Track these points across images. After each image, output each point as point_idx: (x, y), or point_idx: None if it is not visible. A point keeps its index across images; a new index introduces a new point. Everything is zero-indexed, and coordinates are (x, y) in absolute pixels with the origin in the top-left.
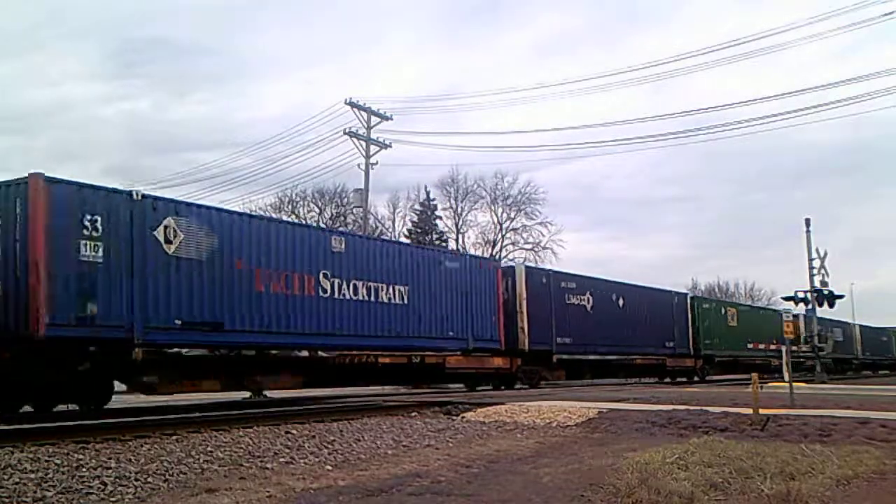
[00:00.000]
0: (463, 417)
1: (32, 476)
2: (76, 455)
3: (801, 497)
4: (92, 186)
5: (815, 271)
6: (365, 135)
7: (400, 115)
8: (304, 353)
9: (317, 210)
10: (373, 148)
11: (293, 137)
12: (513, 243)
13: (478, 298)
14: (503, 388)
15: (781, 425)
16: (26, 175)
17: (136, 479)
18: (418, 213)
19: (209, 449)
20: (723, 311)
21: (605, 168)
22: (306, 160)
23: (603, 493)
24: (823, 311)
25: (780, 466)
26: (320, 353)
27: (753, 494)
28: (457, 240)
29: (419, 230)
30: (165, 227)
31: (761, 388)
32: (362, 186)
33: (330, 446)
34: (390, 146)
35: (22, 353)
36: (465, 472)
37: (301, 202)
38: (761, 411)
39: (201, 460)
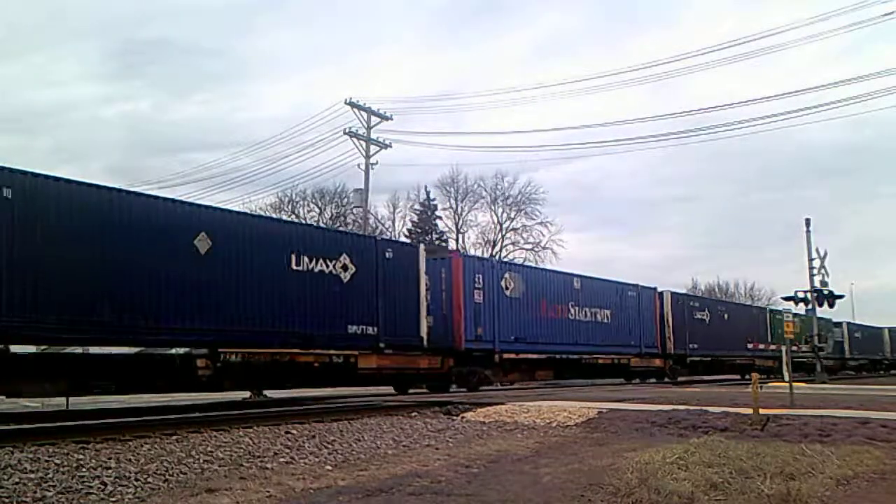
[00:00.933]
0: (463, 417)
1: (32, 476)
2: (76, 455)
3: (801, 497)
4: (479, 258)
5: (814, 271)
6: (365, 135)
7: (400, 115)
8: (560, 356)
9: (317, 210)
10: (373, 148)
11: (293, 137)
12: (513, 243)
13: (646, 316)
14: (654, 380)
15: (781, 425)
16: (449, 251)
17: (136, 479)
18: (418, 213)
19: (209, 449)
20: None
21: (605, 168)
22: (306, 160)
23: (603, 492)
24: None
25: (780, 466)
26: (569, 356)
27: (753, 494)
28: (457, 240)
29: (419, 230)
30: (505, 279)
31: (761, 388)
32: (362, 186)
33: (330, 446)
34: (390, 146)
35: (453, 359)
36: (465, 472)
37: (301, 202)
38: (761, 411)
39: (201, 460)
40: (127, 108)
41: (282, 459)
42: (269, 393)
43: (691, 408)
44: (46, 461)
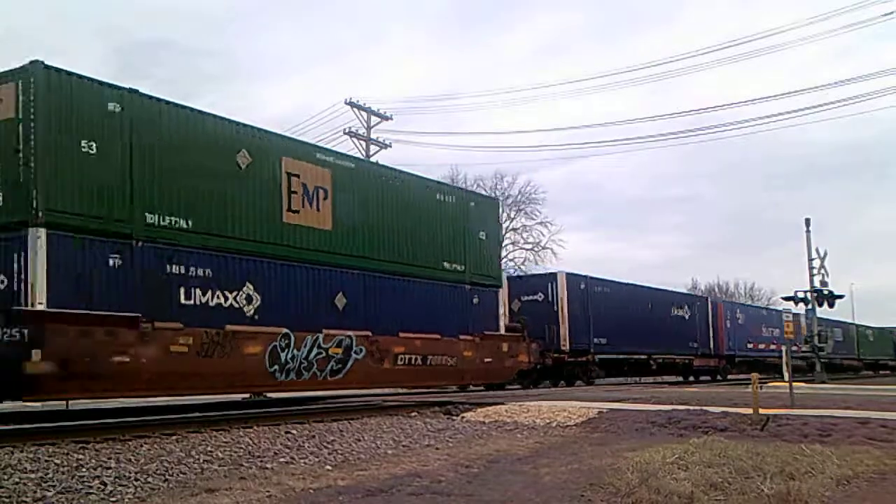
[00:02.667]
0: (463, 417)
1: (32, 476)
2: (76, 455)
3: (801, 497)
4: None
5: (815, 271)
6: (365, 135)
7: (400, 115)
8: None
9: None
10: (373, 148)
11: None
12: (513, 243)
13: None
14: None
15: (781, 425)
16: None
17: (136, 479)
18: None
19: (209, 449)
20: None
21: (605, 168)
22: None
23: (603, 492)
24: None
25: (780, 466)
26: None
27: (753, 494)
28: None
29: None
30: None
31: (761, 388)
32: None
33: (330, 446)
34: (390, 146)
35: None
36: (465, 471)
37: None
38: (761, 411)
39: (201, 460)
40: None
41: (282, 459)
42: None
43: (691, 408)
44: (46, 461)
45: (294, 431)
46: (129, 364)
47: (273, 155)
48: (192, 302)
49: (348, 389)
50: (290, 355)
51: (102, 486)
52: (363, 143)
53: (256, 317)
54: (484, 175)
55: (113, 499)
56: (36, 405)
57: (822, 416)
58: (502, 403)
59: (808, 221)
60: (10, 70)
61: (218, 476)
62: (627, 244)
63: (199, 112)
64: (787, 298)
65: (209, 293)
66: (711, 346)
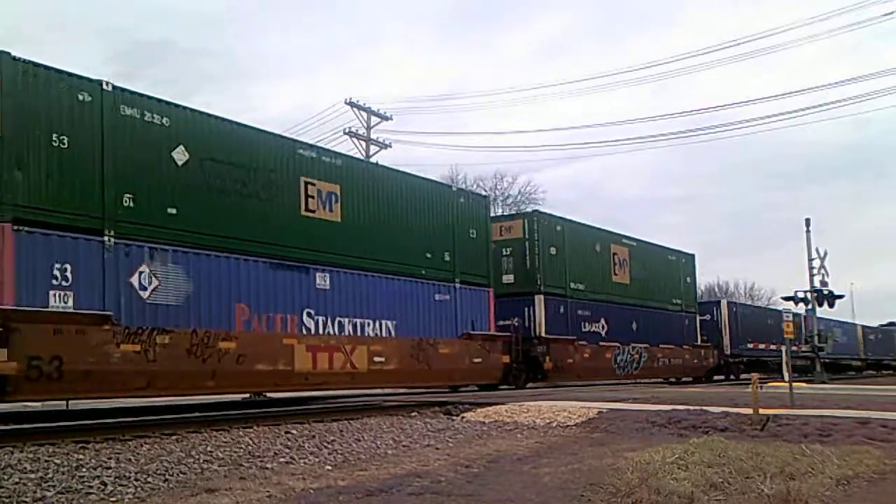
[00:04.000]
0: (463, 417)
1: (32, 476)
2: (76, 455)
3: (801, 497)
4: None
5: (814, 271)
6: (365, 135)
7: (400, 115)
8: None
9: None
10: (373, 148)
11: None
12: None
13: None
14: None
15: (781, 425)
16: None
17: (136, 479)
18: None
19: (209, 449)
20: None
21: (605, 168)
22: None
23: (603, 492)
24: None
25: (780, 466)
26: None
27: (753, 494)
28: None
29: None
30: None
31: (761, 388)
32: None
33: (330, 446)
34: (390, 146)
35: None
36: (465, 471)
37: None
38: (761, 411)
39: (201, 460)
40: None
41: (282, 459)
42: (268, 393)
43: (691, 408)
44: (46, 461)
45: (294, 431)
46: None
47: None
48: None
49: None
50: None
51: (102, 486)
52: (363, 143)
53: None
54: (484, 175)
55: (113, 499)
56: (36, 405)
57: (822, 416)
58: (502, 403)
59: (808, 221)
60: None
61: (218, 476)
62: None
63: None
64: (787, 298)
65: None
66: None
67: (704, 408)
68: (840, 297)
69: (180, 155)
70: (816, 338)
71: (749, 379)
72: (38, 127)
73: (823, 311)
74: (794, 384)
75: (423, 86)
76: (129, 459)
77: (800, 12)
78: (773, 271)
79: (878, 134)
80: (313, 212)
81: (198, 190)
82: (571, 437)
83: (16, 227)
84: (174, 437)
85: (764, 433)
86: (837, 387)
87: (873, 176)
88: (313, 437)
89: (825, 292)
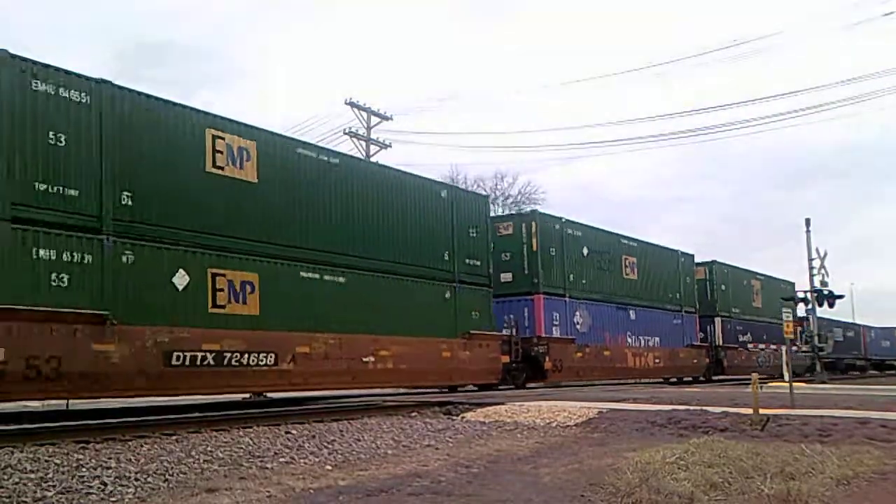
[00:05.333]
0: (463, 417)
1: (32, 476)
2: (76, 455)
3: (801, 497)
4: None
5: (815, 271)
6: (365, 135)
7: (400, 115)
8: None
9: None
10: (373, 148)
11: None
12: None
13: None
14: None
15: (781, 425)
16: None
17: (136, 479)
18: None
19: (209, 449)
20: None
21: (605, 168)
22: None
23: (603, 492)
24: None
25: (780, 466)
26: None
27: (753, 494)
28: None
29: None
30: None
31: (761, 388)
32: None
33: (330, 446)
34: (390, 146)
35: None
36: (465, 471)
37: None
38: (761, 411)
39: (201, 460)
40: None
41: (282, 459)
42: (268, 393)
43: (691, 408)
44: (46, 461)
45: (294, 431)
46: None
47: None
48: None
49: None
50: None
51: (102, 486)
52: (363, 144)
53: None
54: (484, 175)
55: (113, 499)
56: (36, 405)
57: (822, 416)
58: (502, 403)
59: (808, 221)
60: None
61: (218, 476)
62: None
63: None
64: (786, 298)
65: None
66: None
67: (704, 408)
68: (840, 297)
69: None
70: (816, 338)
71: (749, 379)
72: None
73: (823, 311)
74: (794, 384)
75: (423, 86)
76: (130, 459)
77: (800, 12)
78: (773, 271)
79: (879, 134)
80: None
81: None
82: (571, 437)
83: None
84: (174, 437)
85: (764, 433)
86: (837, 387)
87: (874, 176)
88: (313, 437)
89: (825, 292)
